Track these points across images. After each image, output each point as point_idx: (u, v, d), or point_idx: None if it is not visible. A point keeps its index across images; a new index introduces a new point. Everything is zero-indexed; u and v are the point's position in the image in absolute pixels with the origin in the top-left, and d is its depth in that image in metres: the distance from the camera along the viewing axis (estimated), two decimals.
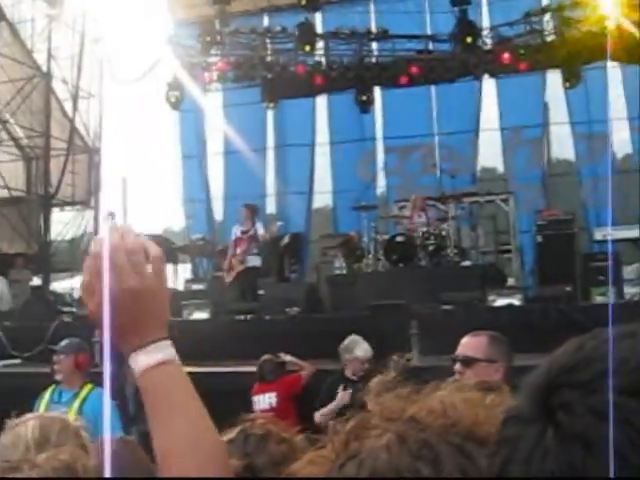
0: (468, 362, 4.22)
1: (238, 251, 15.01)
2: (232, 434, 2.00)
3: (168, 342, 1.54)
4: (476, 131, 22.97)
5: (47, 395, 7.10)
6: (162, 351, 1.52)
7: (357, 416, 0.99)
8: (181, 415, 1.50)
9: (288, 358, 9.56)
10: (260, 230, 15.18)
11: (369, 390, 1.10)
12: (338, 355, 8.63)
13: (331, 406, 7.95)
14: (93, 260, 1.49)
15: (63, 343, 7.23)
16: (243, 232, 15.11)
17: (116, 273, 1.46)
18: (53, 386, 7.19)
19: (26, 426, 2.43)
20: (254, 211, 15.56)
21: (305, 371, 9.49)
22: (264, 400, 9.01)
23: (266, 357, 9.38)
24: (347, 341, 8.43)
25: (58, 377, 7.08)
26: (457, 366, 4.22)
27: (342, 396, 7.94)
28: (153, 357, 1.51)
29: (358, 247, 17.48)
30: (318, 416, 8.02)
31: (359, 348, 8.29)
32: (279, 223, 18.26)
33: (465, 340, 4.36)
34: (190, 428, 1.49)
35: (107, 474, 1.29)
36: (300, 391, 9.31)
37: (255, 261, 15.12)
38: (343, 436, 0.97)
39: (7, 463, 2.29)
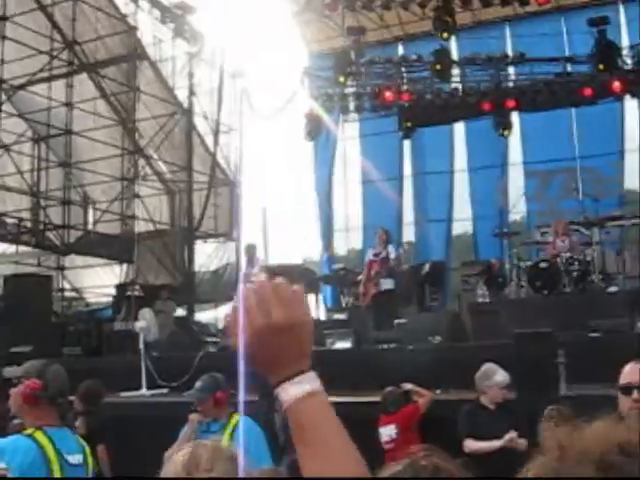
0: None
1: (372, 274, 15.04)
2: (399, 467, 1.97)
3: (314, 373, 1.56)
4: (621, 152, 22.44)
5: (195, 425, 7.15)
6: (309, 382, 1.54)
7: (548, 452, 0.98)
8: (329, 447, 1.50)
9: (409, 387, 9.48)
10: (392, 253, 15.20)
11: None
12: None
13: (495, 443, 7.77)
14: (245, 299, 1.54)
15: (198, 386, 7.17)
16: (375, 254, 15.16)
17: (266, 308, 1.52)
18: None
19: (177, 455, 2.48)
20: (388, 235, 15.61)
21: (424, 399, 9.40)
22: (386, 432, 8.95)
23: (389, 389, 9.33)
24: (484, 369, 8.29)
25: (203, 419, 7.06)
26: (635, 394, 4.07)
27: (510, 438, 7.75)
28: (301, 388, 1.53)
29: (500, 274, 17.26)
30: (470, 446, 7.86)
31: (498, 374, 8.15)
32: (406, 246, 18.23)
33: (633, 367, 4.22)
34: (338, 460, 1.50)
35: None
36: (419, 420, 9.22)
37: (389, 284, 15.12)
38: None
39: None
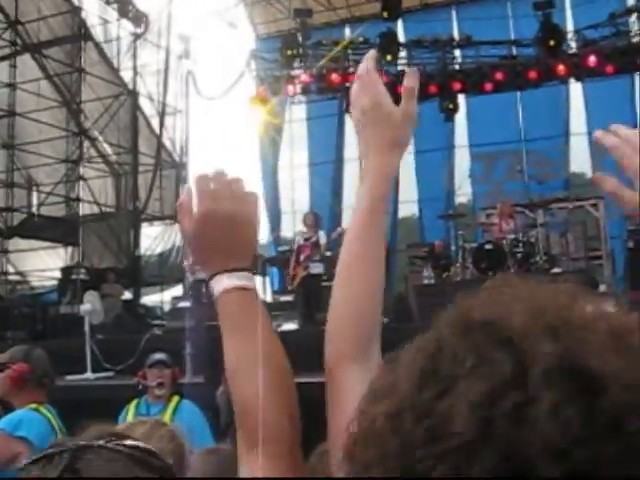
0: None
1: (301, 258, 14.99)
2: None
3: (252, 275, 1.62)
4: (565, 136, 22.69)
5: (132, 409, 7.04)
6: (248, 279, 1.60)
7: None
8: (253, 336, 1.53)
9: None
10: (323, 238, 15.14)
11: None
12: None
13: None
14: (199, 181, 1.60)
15: (162, 357, 7.13)
16: (306, 239, 15.10)
17: (217, 195, 1.59)
18: (137, 400, 7.13)
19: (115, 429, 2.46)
20: (318, 219, 15.56)
21: None
22: None
23: None
24: None
25: (160, 392, 6.99)
26: None
27: None
28: (236, 281, 1.58)
29: (443, 256, 17.37)
30: None
31: None
32: (339, 229, 18.18)
33: None
34: (261, 348, 1.52)
35: None
36: None
37: (318, 268, 15.04)
38: None
39: None
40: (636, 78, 21.38)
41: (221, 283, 1.57)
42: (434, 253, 17.63)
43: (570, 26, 21.51)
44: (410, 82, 1.73)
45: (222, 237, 1.57)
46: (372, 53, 1.84)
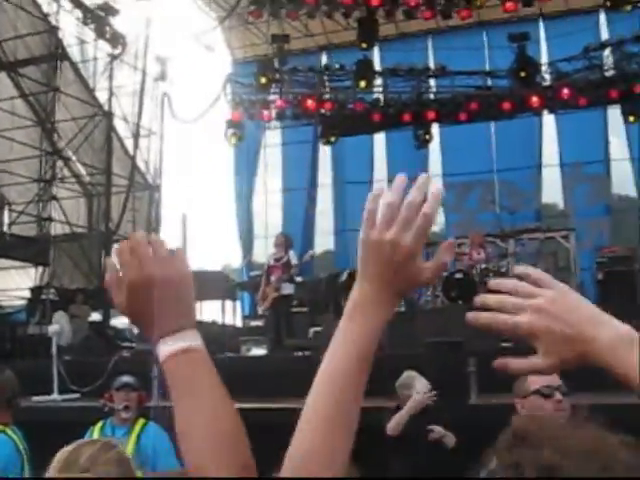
0: (567, 392, 4.15)
1: (272, 279, 14.95)
2: None
3: (194, 331, 1.59)
4: (538, 167, 22.86)
5: (97, 431, 6.97)
6: (186, 339, 1.57)
7: None
8: (201, 399, 1.53)
9: None
10: (293, 259, 15.08)
11: None
12: (394, 392, 8.48)
13: (402, 412, 7.78)
14: (119, 255, 1.57)
15: (129, 380, 7.10)
16: (276, 260, 15.05)
17: (141, 263, 1.55)
18: (101, 422, 7.08)
19: (62, 450, 2.45)
20: (288, 240, 15.54)
21: None
22: None
23: None
24: (404, 377, 8.24)
25: (126, 415, 6.94)
26: (557, 396, 4.11)
27: (420, 400, 7.77)
28: (177, 345, 1.55)
29: None
30: (391, 428, 7.78)
31: (418, 382, 8.13)
32: (311, 251, 18.13)
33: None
34: (209, 412, 1.53)
35: None
36: None
37: (289, 289, 14.98)
38: None
39: None
40: (608, 111, 21.60)
41: (165, 348, 1.56)
42: None
43: (545, 58, 21.75)
44: (446, 257, 1.53)
45: (157, 302, 1.54)
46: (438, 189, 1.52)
